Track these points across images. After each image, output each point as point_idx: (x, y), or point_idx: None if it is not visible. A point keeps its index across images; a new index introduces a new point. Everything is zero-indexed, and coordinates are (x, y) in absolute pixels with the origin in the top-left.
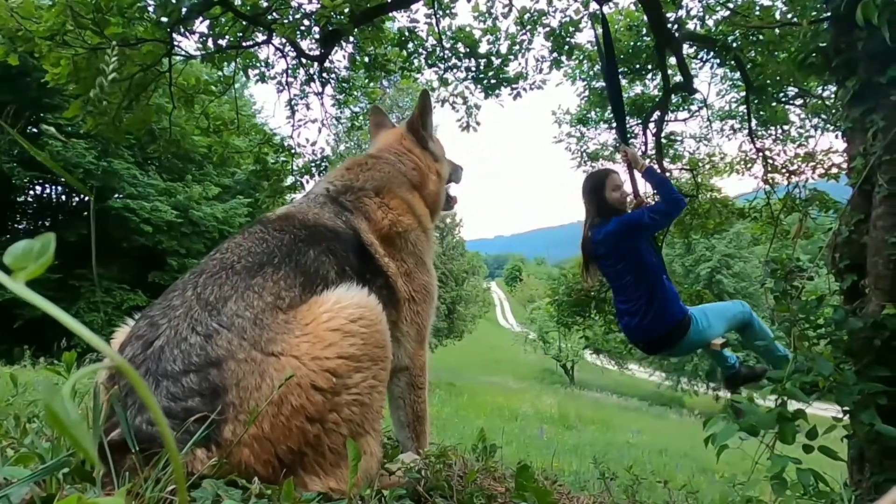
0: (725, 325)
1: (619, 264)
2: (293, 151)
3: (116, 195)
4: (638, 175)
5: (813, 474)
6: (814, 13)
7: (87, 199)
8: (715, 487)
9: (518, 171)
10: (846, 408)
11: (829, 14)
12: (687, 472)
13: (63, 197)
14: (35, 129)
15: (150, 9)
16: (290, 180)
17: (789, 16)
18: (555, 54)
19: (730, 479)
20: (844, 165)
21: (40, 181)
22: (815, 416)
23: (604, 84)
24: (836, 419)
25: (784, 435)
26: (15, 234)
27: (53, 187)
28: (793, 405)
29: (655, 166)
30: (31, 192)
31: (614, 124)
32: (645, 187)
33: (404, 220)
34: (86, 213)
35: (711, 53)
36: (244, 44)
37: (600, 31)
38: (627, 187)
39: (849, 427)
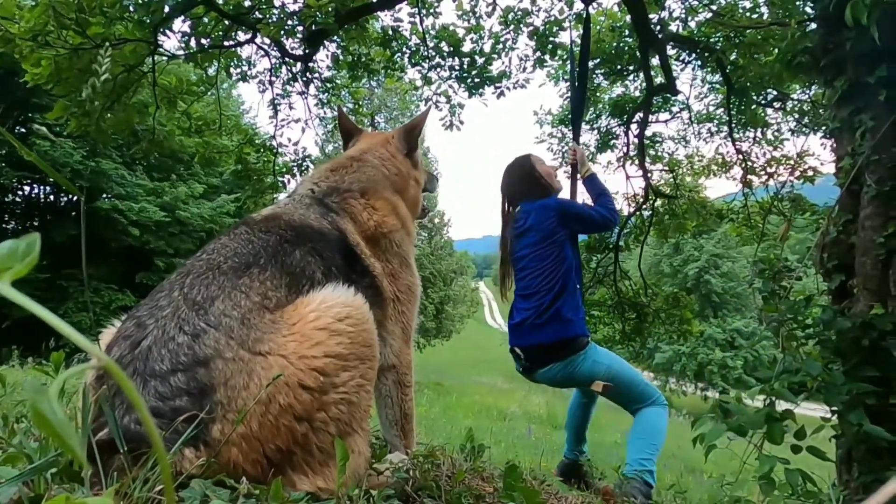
0: (606, 373)
1: (541, 244)
2: (275, 151)
3: (105, 195)
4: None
5: (801, 474)
6: (798, 14)
7: (75, 199)
8: (703, 487)
9: (502, 171)
10: (834, 408)
11: (816, 14)
12: (675, 472)
13: (51, 197)
14: (23, 129)
15: (132, 8)
16: (270, 180)
17: (769, 17)
18: (538, 54)
19: (718, 479)
20: (821, 168)
21: (28, 181)
22: (804, 417)
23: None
24: (824, 419)
25: (772, 435)
26: (3, 235)
27: (42, 187)
28: (781, 405)
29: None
30: (20, 193)
31: (573, 121)
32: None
33: (389, 222)
34: (74, 214)
35: (693, 55)
36: (227, 43)
37: (579, 32)
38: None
39: (837, 427)
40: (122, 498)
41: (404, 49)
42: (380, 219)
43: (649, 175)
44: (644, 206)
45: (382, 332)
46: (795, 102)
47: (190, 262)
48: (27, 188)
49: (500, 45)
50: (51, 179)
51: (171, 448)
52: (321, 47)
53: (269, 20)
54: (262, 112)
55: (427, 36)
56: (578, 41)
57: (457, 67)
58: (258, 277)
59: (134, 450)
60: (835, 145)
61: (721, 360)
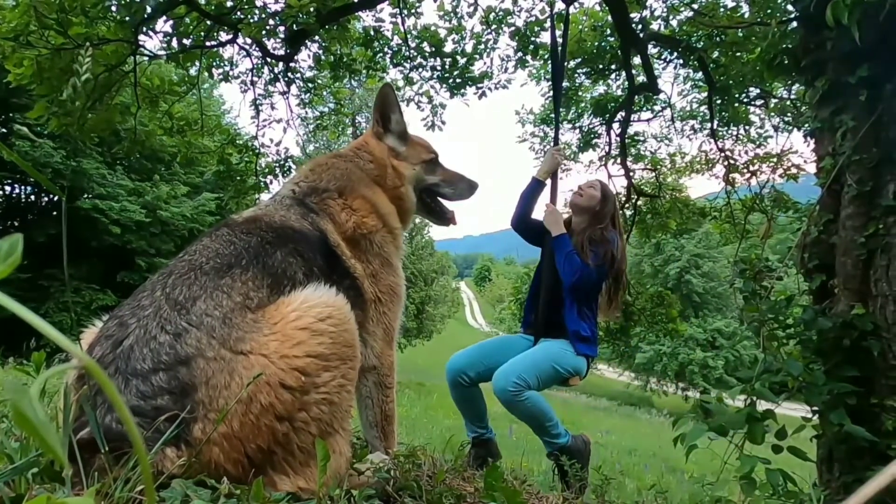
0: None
1: None
2: (257, 151)
3: (86, 195)
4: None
5: (782, 474)
6: (778, 13)
7: (56, 199)
8: (684, 487)
9: (487, 171)
10: (815, 408)
11: (797, 14)
12: (656, 472)
13: (32, 197)
14: (3, 129)
15: (114, 8)
16: (253, 180)
17: (749, 15)
18: (520, 54)
19: (699, 479)
20: (805, 166)
21: (9, 181)
22: (785, 416)
23: (568, 84)
24: (805, 419)
25: (753, 435)
26: None
27: (22, 187)
28: (762, 405)
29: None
30: (0, 193)
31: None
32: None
33: (368, 222)
34: (55, 213)
35: (675, 54)
36: (209, 43)
37: (559, 31)
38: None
39: (818, 427)
40: (104, 498)
41: (386, 49)
42: (358, 220)
43: (631, 174)
44: (626, 206)
45: (363, 334)
46: (778, 100)
47: (172, 262)
48: (8, 188)
49: (482, 46)
50: (31, 179)
51: (152, 447)
52: (303, 47)
53: (251, 20)
54: (244, 112)
55: (409, 36)
56: (559, 40)
57: (438, 68)
58: (240, 278)
59: (116, 449)
60: (816, 145)
61: (702, 360)
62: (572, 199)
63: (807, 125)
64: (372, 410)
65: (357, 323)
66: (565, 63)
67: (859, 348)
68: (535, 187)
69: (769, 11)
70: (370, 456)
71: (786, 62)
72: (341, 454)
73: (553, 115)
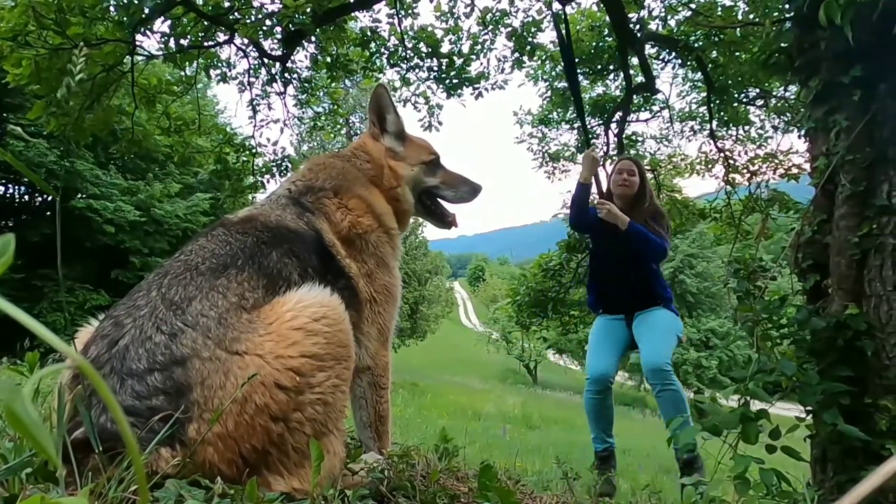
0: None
1: None
2: (254, 151)
3: (79, 195)
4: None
5: (776, 474)
6: (776, 13)
7: (50, 199)
8: (678, 487)
9: (481, 171)
10: (809, 408)
11: (791, 14)
12: (650, 472)
13: (26, 197)
14: None
15: (112, 9)
16: (250, 180)
17: (751, 16)
18: (517, 54)
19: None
20: (805, 166)
21: (2, 181)
22: (778, 416)
23: (565, 84)
24: (799, 419)
25: (747, 435)
26: None
27: (16, 187)
28: (756, 405)
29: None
30: None
31: (579, 124)
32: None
33: (364, 222)
34: (49, 213)
35: (673, 54)
36: (206, 44)
37: (563, 33)
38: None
39: (812, 427)
40: (97, 498)
41: (382, 50)
42: (353, 219)
43: None
44: None
45: (358, 334)
46: (777, 100)
47: (168, 262)
48: (2, 188)
49: (479, 46)
50: (25, 179)
51: (147, 447)
52: (300, 48)
53: (248, 21)
54: (240, 112)
55: (405, 37)
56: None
57: (435, 68)
58: (235, 278)
59: (111, 449)
60: (810, 145)
61: (696, 360)
62: (621, 192)
63: (803, 125)
64: (366, 411)
65: (352, 323)
66: (576, 70)
67: (853, 348)
68: (582, 190)
69: (766, 11)
70: (364, 456)
71: (780, 62)
72: (335, 454)
73: (574, 118)
